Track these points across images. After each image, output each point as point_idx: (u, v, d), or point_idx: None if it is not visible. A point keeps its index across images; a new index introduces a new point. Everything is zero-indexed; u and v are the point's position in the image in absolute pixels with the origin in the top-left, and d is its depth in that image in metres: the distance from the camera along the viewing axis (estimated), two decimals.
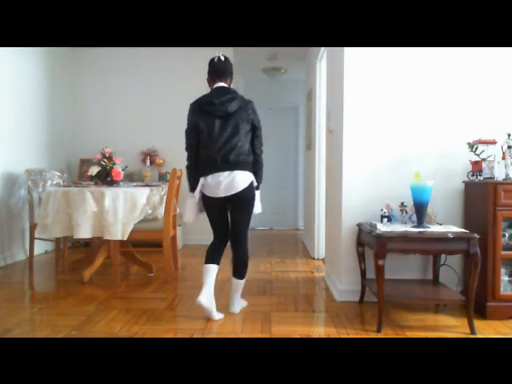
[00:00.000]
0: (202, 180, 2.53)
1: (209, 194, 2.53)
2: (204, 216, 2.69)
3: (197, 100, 2.54)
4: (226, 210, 2.62)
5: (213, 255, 2.59)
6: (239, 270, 2.63)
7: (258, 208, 2.64)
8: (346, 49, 2.92)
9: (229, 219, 2.64)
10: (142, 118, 5.45)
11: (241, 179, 2.48)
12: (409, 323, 2.54)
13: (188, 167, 2.62)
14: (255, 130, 2.58)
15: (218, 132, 2.45)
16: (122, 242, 3.38)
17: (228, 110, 2.45)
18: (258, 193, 2.63)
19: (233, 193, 2.47)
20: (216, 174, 2.47)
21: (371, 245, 2.51)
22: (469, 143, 2.78)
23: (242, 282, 2.67)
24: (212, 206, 2.59)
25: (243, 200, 2.54)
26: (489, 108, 2.92)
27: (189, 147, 2.58)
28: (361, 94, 2.94)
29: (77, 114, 5.52)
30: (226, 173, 2.47)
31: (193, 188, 2.61)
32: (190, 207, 2.64)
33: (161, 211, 3.51)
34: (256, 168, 2.61)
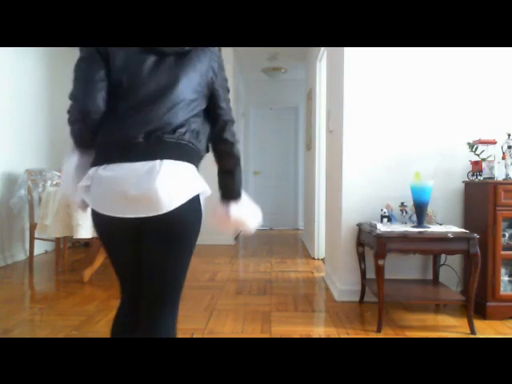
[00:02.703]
0: (91, 172, 1.23)
1: (101, 209, 1.23)
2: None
3: None
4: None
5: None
6: None
7: (253, 221, 1.49)
8: (346, 49, 2.93)
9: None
10: None
11: (174, 183, 1.19)
12: (409, 323, 2.54)
13: (70, 119, 1.25)
14: (217, 91, 1.34)
15: (146, 75, 1.23)
16: None
17: None
18: (243, 201, 1.46)
19: (154, 213, 1.19)
20: (119, 167, 1.18)
21: (371, 245, 2.51)
22: (469, 143, 2.78)
23: None
24: (110, 235, 1.37)
25: (175, 227, 1.27)
26: (489, 108, 2.92)
27: (76, 88, 1.23)
28: (361, 94, 2.94)
29: None
30: (142, 164, 1.16)
31: (78, 142, 1.29)
32: (68, 175, 1.35)
33: None
34: (226, 159, 1.39)
